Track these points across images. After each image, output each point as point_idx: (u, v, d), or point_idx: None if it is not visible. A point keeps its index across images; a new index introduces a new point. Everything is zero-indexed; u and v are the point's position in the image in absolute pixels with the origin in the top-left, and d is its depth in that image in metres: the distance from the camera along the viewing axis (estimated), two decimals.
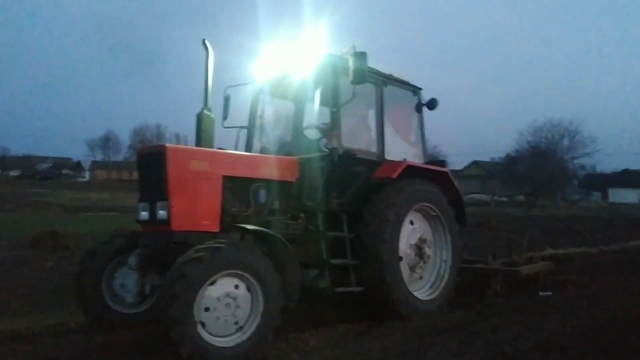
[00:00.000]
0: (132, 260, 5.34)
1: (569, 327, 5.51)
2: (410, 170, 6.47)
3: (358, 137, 6.63)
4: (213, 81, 5.80)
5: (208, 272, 4.37)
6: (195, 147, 5.52)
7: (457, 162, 78.31)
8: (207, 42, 5.68)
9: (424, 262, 6.54)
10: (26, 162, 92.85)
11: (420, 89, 7.36)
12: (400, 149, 7.01)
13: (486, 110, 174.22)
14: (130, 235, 5.70)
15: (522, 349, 4.74)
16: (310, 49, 6.31)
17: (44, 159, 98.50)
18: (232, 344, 4.52)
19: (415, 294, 6.34)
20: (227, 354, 4.46)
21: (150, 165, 5.24)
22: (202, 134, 5.70)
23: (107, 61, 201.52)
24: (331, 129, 6.06)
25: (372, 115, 6.76)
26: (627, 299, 6.96)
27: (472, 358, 4.54)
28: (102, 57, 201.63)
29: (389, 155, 6.67)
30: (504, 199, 50.22)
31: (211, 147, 5.72)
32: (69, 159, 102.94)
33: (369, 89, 6.54)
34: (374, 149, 6.59)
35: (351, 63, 5.70)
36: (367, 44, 5.95)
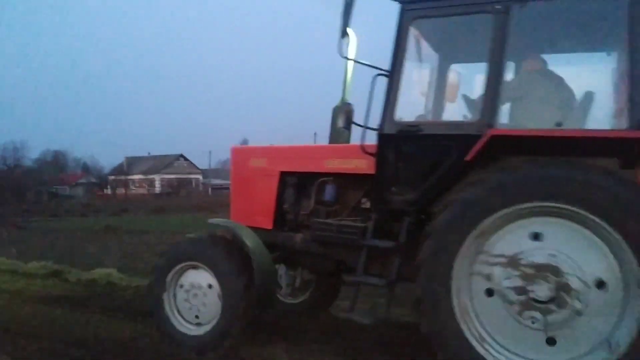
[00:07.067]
0: None
1: None
2: (539, 145, 3.82)
3: (443, 102, 4.36)
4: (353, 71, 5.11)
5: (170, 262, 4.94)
6: (255, 146, 5.58)
7: None
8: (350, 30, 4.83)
9: (560, 307, 3.68)
10: None
11: None
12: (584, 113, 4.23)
13: None
14: None
15: None
16: None
17: None
18: (191, 334, 4.80)
19: None
20: (186, 342, 4.77)
21: None
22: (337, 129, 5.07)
23: None
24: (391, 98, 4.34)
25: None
26: None
27: None
28: None
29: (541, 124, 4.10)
30: None
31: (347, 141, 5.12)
32: None
33: (482, 21, 4.15)
34: (477, 115, 4.16)
35: None
36: None
